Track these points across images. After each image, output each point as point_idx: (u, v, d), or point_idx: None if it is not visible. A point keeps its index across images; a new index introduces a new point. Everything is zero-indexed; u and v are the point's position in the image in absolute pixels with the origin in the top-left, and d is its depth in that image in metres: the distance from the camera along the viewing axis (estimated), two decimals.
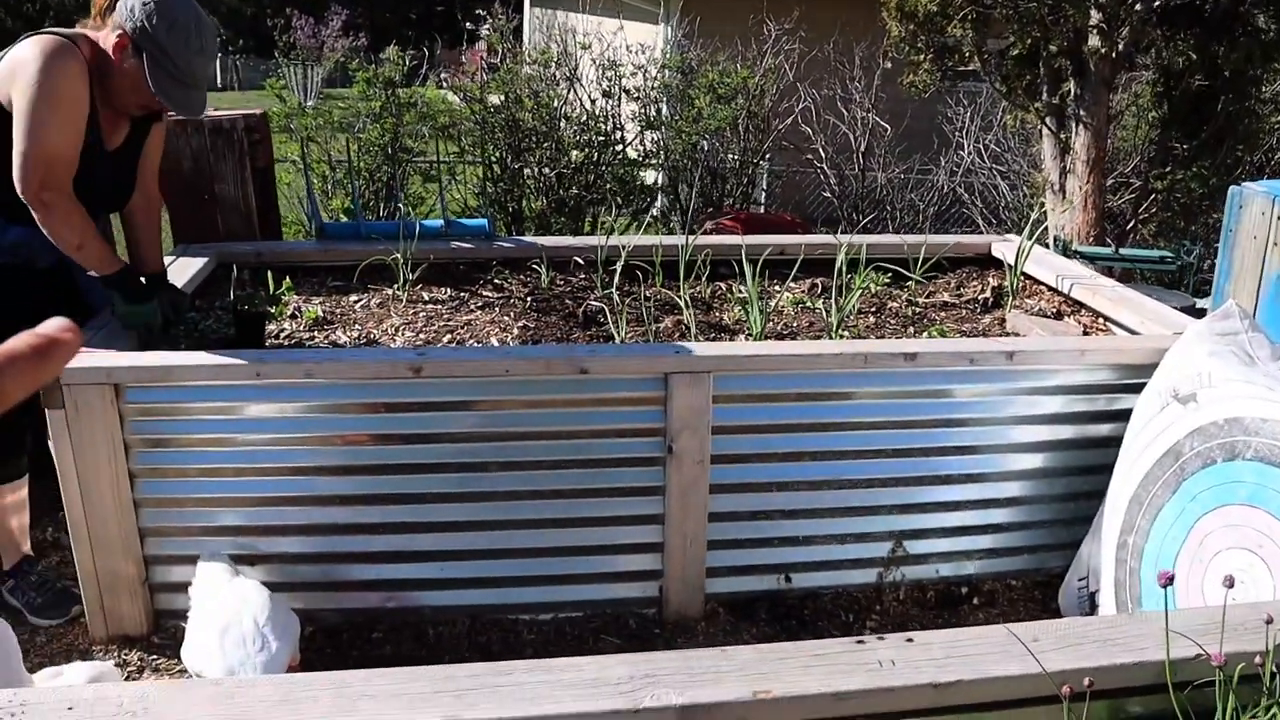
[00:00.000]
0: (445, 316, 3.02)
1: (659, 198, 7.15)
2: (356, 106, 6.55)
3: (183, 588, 2.57)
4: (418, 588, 2.65)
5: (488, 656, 2.57)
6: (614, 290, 3.20)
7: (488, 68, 7.99)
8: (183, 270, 3.07)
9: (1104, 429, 2.75)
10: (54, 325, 0.41)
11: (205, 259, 3.21)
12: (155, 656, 2.62)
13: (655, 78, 6.76)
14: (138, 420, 2.48)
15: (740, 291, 3.27)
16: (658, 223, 6.92)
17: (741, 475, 2.62)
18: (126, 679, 2.52)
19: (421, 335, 2.89)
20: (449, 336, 2.88)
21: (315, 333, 2.92)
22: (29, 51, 2.38)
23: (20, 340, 0.39)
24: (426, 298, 3.16)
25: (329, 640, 2.62)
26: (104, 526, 2.52)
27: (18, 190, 2.35)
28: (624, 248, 3.35)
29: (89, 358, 2.43)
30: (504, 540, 2.62)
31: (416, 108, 6.32)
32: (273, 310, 2.86)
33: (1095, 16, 5.75)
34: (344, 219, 5.65)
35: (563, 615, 2.70)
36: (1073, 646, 1.47)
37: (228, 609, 2.23)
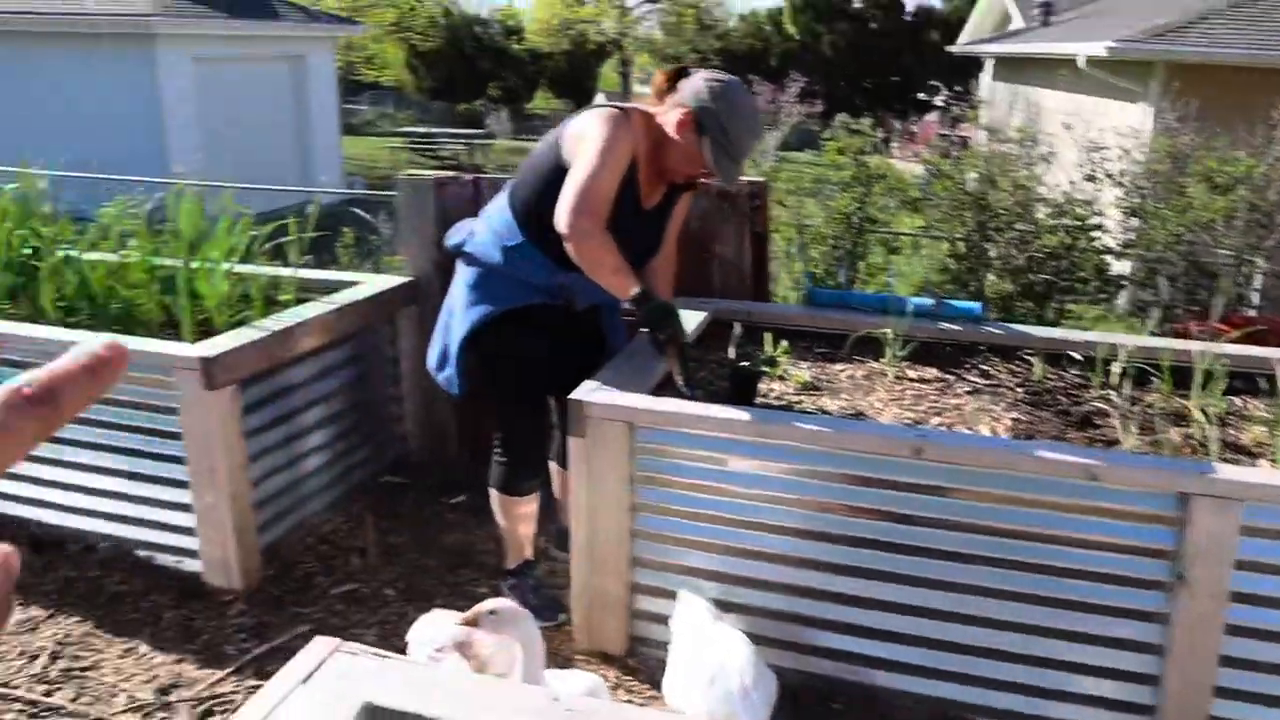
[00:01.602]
0: (932, 398, 3.00)
1: (1131, 290, 6.67)
2: (826, 174, 6.76)
3: (660, 619, 2.75)
4: (880, 667, 2.64)
5: None
6: (1115, 392, 3.01)
7: (956, 140, 7.91)
8: (684, 322, 3.30)
9: None
10: (102, 343, 0.42)
11: (703, 314, 3.43)
12: (629, 678, 2.81)
13: (1141, 163, 6.34)
14: (645, 458, 2.69)
15: (1260, 410, 2.95)
16: (1130, 317, 6.46)
17: (1269, 620, 2.35)
18: None
19: (909, 413, 2.89)
20: (938, 419, 2.86)
21: (803, 397, 3.01)
22: (589, 120, 2.70)
23: (73, 359, 0.40)
24: (913, 375, 3.16)
25: (788, 699, 2.67)
26: (603, 549, 2.76)
27: (558, 226, 2.61)
28: (1123, 347, 3.15)
29: (611, 395, 2.69)
30: (978, 637, 2.54)
31: (886, 180, 6.40)
32: (768, 371, 3.00)
33: None
34: (803, 282, 5.84)
35: None
36: None
37: (714, 660, 2.33)
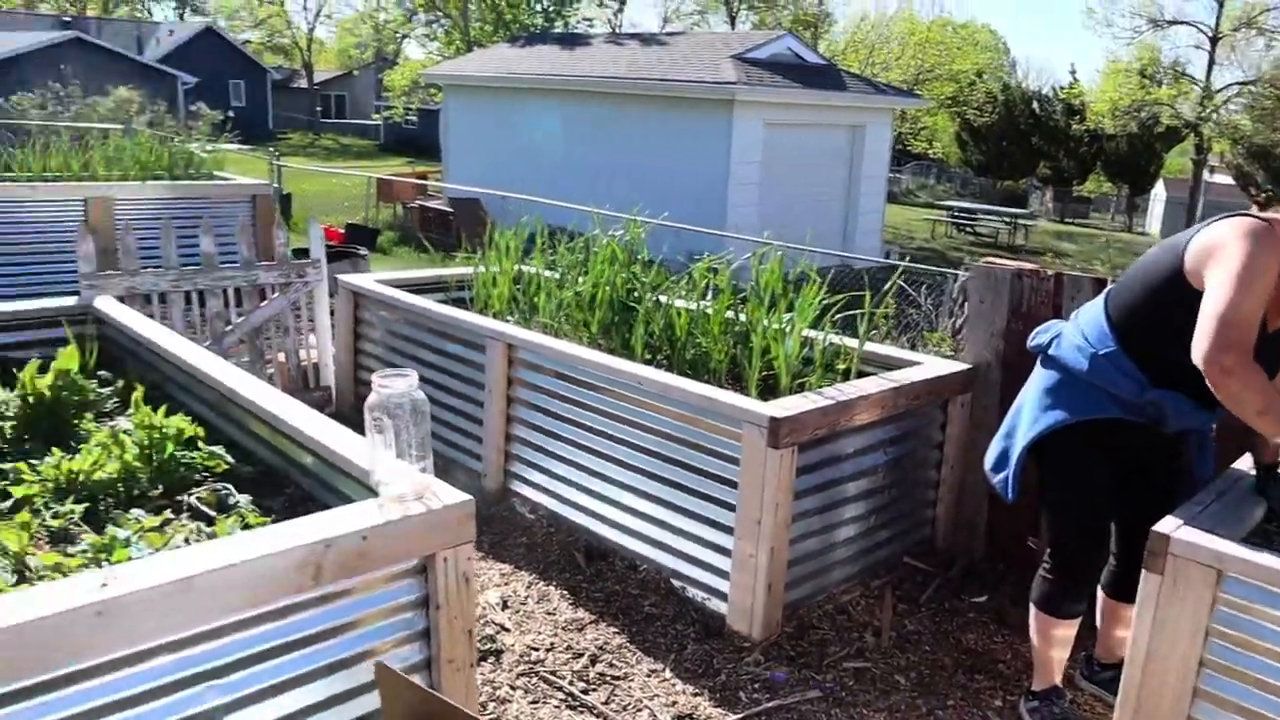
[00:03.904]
0: None
1: None
2: None
3: None
4: None
5: None
6: None
7: None
8: None
9: None
10: None
11: None
12: None
13: None
14: (1229, 611, 2.37)
15: None
16: None
17: None
18: None
19: None
20: None
21: None
22: (1228, 232, 2.43)
23: None
24: None
25: None
26: (1155, 702, 2.47)
27: (1194, 355, 2.37)
28: None
29: (1197, 535, 2.40)
30: None
31: None
32: None
33: None
34: None
35: None
36: None
37: None
